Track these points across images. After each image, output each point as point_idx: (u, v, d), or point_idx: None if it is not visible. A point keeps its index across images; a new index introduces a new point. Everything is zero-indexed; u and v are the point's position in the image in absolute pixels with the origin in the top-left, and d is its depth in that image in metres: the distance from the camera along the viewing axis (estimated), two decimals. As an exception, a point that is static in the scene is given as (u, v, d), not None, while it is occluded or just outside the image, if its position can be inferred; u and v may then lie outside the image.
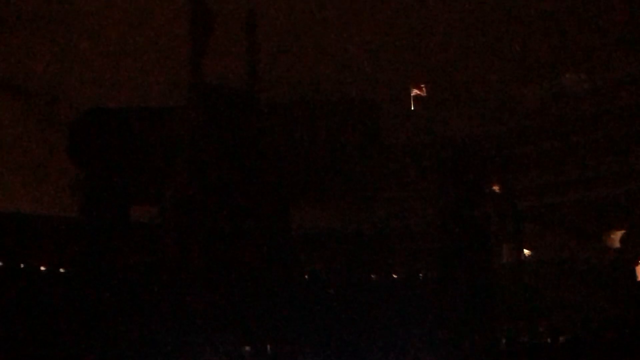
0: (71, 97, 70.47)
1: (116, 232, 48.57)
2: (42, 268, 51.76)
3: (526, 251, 63.41)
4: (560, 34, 68.99)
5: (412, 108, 70.51)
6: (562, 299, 57.60)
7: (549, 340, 55.07)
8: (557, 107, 68.81)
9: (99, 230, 48.49)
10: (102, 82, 69.89)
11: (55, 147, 58.47)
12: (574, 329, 55.66)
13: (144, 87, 68.33)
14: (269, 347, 54.77)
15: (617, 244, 63.15)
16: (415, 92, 70.00)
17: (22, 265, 51.22)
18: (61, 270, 51.82)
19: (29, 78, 71.89)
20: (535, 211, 65.75)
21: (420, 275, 60.29)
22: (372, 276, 59.71)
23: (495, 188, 63.56)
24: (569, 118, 67.31)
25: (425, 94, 69.97)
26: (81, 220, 48.89)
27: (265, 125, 59.71)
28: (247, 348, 54.50)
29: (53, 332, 48.94)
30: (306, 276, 58.16)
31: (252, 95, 58.09)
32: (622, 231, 62.66)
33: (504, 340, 55.93)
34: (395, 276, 59.99)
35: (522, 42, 70.29)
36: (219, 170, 55.75)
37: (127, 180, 50.01)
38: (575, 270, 60.18)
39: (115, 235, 48.47)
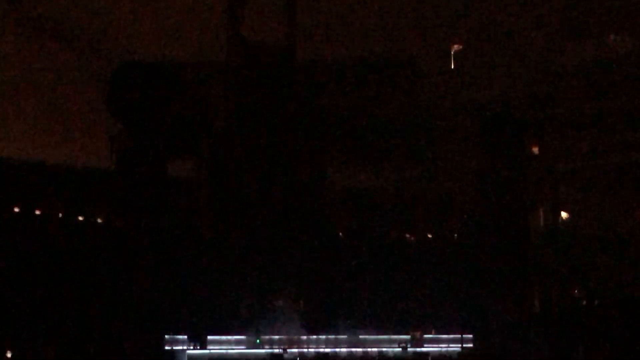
0: (111, 50, 70.51)
1: (152, 184, 48.84)
2: (80, 218, 52.45)
3: (563, 214, 62.96)
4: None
5: (452, 67, 69.56)
6: (598, 263, 57.23)
7: (584, 303, 54.84)
8: (599, 68, 67.69)
9: (135, 182, 48.79)
10: (143, 35, 69.78)
11: (95, 100, 58.62)
12: (610, 293, 55.30)
13: (184, 41, 68.20)
14: (301, 302, 55.08)
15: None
16: (455, 50, 69.00)
17: (60, 215, 51.96)
18: (98, 220, 52.48)
19: (74, 29, 71.89)
20: (574, 175, 65.02)
21: (455, 235, 60.03)
22: (407, 235, 59.63)
23: (534, 150, 62.86)
24: (611, 80, 66.15)
25: (463, 53, 68.88)
26: (118, 172, 49.22)
27: (303, 82, 59.46)
28: (280, 302, 54.86)
29: (89, 279, 49.70)
30: (341, 233, 58.23)
31: (290, 52, 57.81)
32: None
33: (537, 303, 55.80)
34: (429, 236, 59.83)
35: (565, 1, 69.03)
36: (256, 126, 55.72)
37: (164, 133, 50.20)
38: (612, 235, 59.72)
39: (152, 188, 48.76)
